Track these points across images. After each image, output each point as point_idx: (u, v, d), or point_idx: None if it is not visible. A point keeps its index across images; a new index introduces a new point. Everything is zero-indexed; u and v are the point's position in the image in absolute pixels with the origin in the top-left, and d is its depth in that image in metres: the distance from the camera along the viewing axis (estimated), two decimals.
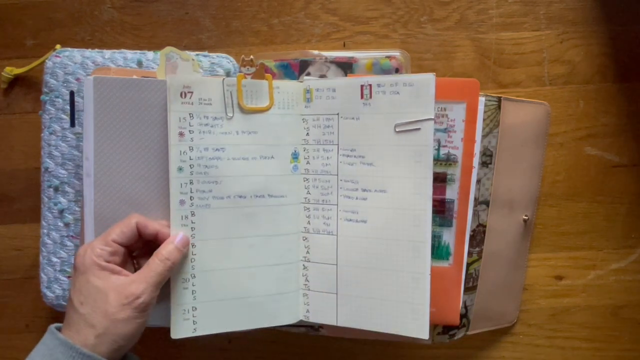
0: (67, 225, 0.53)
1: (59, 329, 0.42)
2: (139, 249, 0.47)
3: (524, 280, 0.58)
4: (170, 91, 0.47)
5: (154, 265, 0.44)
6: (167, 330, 0.47)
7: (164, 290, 0.47)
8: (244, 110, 0.49)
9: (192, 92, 0.47)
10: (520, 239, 0.57)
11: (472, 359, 0.59)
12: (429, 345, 0.58)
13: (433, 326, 0.54)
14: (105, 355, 0.41)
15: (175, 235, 0.46)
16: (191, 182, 0.47)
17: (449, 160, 0.51)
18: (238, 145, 0.49)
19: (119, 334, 0.42)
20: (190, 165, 0.47)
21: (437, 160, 0.50)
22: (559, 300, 0.58)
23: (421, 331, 0.48)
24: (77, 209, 0.53)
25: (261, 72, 0.49)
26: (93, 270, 0.43)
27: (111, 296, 0.42)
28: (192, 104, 0.47)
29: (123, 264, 0.45)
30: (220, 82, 0.48)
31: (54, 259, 0.53)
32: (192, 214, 0.47)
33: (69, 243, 0.53)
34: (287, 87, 0.50)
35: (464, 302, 0.54)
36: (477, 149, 0.52)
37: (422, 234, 0.48)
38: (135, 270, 0.46)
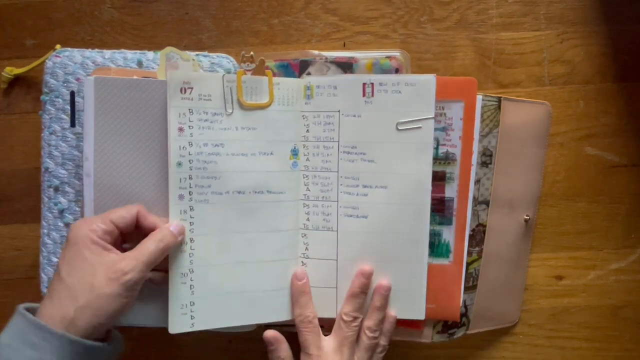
0: (67, 225, 0.53)
1: (28, 309, 0.41)
2: (133, 241, 0.46)
3: (525, 280, 0.58)
4: (170, 87, 0.47)
5: (146, 245, 0.44)
6: (168, 331, 0.48)
7: (160, 290, 0.47)
8: (243, 106, 0.49)
9: (192, 88, 0.47)
10: (521, 239, 0.56)
11: (472, 359, 0.59)
12: (428, 345, 0.58)
13: (432, 325, 0.54)
14: (83, 330, 0.40)
15: (172, 223, 0.47)
16: (190, 177, 0.48)
17: (447, 159, 0.51)
18: (237, 141, 0.49)
19: (101, 309, 0.41)
20: (189, 161, 0.47)
21: (435, 158, 0.51)
22: (559, 300, 0.58)
23: (419, 313, 0.51)
24: (77, 209, 0.53)
25: (261, 68, 0.49)
26: (85, 242, 0.42)
27: (99, 270, 0.42)
28: (192, 99, 0.47)
29: (114, 247, 0.45)
30: (220, 78, 0.48)
31: (54, 259, 0.53)
32: (191, 209, 0.48)
33: None
34: (287, 84, 0.50)
35: (464, 302, 0.54)
36: (476, 147, 0.52)
37: (421, 227, 0.50)
38: None
